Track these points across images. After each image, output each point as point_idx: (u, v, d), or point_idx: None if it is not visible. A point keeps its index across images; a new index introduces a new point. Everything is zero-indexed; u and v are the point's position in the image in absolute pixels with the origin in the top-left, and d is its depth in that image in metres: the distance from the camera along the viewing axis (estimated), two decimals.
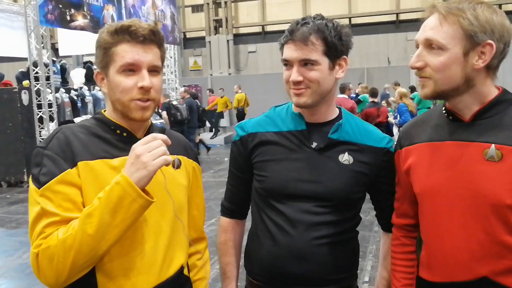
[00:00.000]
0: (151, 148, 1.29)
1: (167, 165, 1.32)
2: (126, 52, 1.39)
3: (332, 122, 1.67)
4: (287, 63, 1.61)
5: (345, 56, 1.62)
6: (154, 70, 1.44)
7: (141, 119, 1.44)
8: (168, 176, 1.46)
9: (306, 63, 1.57)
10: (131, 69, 1.40)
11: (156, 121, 11.41)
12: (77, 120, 9.93)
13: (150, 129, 1.55)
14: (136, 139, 1.45)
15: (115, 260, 1.38)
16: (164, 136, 1.33)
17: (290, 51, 1.58)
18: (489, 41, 1.34)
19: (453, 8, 1.36)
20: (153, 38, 1.43)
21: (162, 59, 1.49)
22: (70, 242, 1.25)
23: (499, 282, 1.37)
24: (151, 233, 1.44)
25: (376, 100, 9.61)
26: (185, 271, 1.58)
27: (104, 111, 1.53)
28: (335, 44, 1.57)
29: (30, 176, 1.37)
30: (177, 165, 1.41)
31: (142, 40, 1.40)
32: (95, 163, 1.39)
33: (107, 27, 1.44)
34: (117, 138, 1.47)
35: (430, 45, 1.38)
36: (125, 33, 1.39)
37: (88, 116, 6.64)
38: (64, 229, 1.28)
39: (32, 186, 1.35)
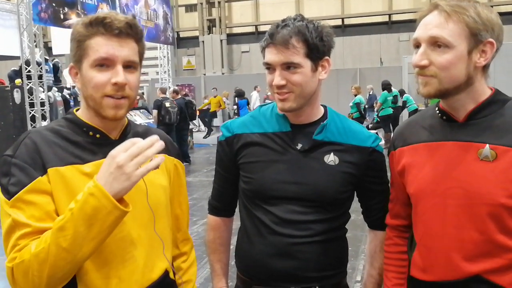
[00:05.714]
0: (132, 156, 1.18)
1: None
2: (100, 46, 1.30)
3: (317, 123, 1.66)
4: (269, 67, 1.60)
5: (327, 57, 1.61)
6: (130, 66, 1.35)
7: (114, 118, 1.35)
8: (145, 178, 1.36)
9: (288, 66, 1.55)
10: (105, 64, 1.31)
11: (149, 120, 11.36)
12: None
13: (127, 129, 1.47)
14: (110, 140, 1.39)
15: (95, 271, 1.32)
16: (147, 141, 1.21)
17: (272, 55, 1.57)
18: (490, 39, 1.35)
19: (455, 6, 1.35)
20: (130, 31, 1.33)
21: (141, 54, 1.40)
22: (44, 256, 1.18)
23: (491, 281, 1.38)
24: (129, 240, 1.37)
25: None
26: (170, 275, 1.53)
27: (77, 109, 1.44)
28: (317, 46, 1.55)
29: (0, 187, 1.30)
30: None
31: (117, 33, 1.31)
32: (66, 170, 1.30)
33: (83, 19, 1.34)
34: (89, 141, 1.38)
35: (435, 42, 1.36)
36: (99, 25, 1.30)
37: None
38: (36, 242, 1.21)
39: (2, 197, 1.27)
